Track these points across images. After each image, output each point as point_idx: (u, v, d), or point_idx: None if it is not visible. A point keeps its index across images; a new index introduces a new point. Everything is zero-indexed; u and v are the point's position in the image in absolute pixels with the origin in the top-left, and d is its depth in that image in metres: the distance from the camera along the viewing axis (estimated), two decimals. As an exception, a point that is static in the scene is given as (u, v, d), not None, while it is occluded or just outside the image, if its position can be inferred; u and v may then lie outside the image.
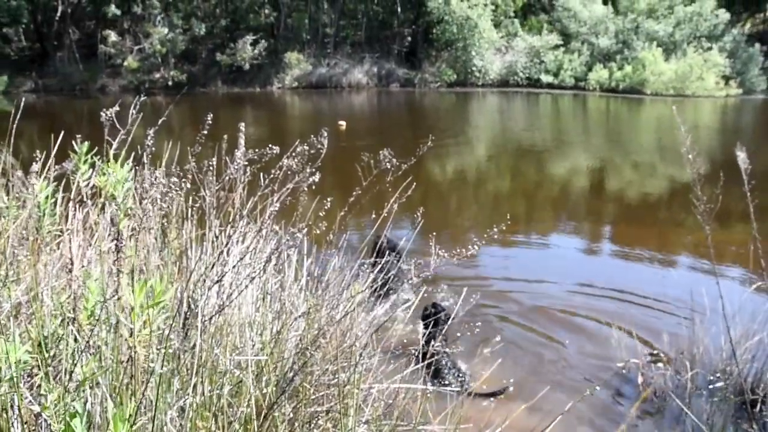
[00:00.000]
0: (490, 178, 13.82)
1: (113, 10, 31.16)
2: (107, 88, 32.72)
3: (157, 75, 32.39)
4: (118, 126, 2.90)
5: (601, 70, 32.33)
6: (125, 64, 31.58)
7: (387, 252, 5.31)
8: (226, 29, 35.47)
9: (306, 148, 2.83)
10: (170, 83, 31.95)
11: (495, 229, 2.67)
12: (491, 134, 20.51)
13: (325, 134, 2.82)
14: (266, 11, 34.76)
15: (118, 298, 2.13)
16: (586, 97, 30.74)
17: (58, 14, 33.62)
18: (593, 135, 20.61)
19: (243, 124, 3.43)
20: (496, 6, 34.93)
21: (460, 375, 4.79)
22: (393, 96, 31.93)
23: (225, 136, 3.54)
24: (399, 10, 36.66)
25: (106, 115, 2.79)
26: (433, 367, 4.60)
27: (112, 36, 31.44)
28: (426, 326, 5.06)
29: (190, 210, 3.31)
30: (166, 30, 31.86)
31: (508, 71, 34.36)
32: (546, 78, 33.51)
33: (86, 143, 2.82)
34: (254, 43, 32.29)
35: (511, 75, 34.24)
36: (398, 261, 5.54)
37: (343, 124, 18.83)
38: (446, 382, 4.64)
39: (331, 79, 34.23)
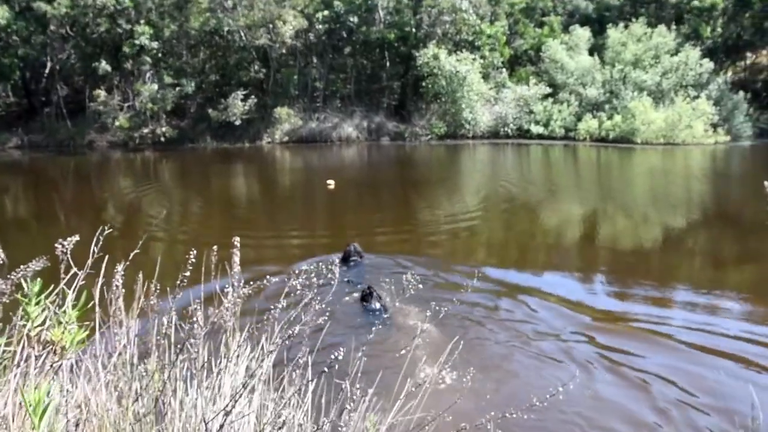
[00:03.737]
0: (481, 231, 14.34)
1: (104, 66, 32.06)
2: (95, 144, 33.46)
3: (146, 130, 33.13)
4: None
5: (590, 120, 33.54)
6: (117, 123, 32.36)
7: (353, 254, 9.59)
8: (215, 84, 36.50)
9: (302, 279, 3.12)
10: (162, 139, 32.68)
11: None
12: (483, 187, 21.20)
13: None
14: (255, 67, 35.84)
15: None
16: (577, 147, 31.75)
17: (47, 70, 34.55)
18: (591, 186, 21.32)
19: (237, 239, 3.34)
20: (483, 57, 36.27)
21: (381, 301, 7.48)
22: (383, 150, 32.78)
23: (215, 248, 3.49)
24: (388, 64, 37.95)
25: (63, 247, 2.56)
26: (361, 293, 7.66)
27: (102, 95, 32.26)
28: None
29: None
30: (155, 87, 32.77)
31: (498, 122, 35.45)
32: (536, 129, 34.61)
33: (38, 282, 2.53)
34: (244, 98, 33.21)
35: (501, 126, 35.32)
36: (361, 259, 9.65)
37: (331, 183, 19.18)
38: (371, 305, 7.41)
39: (321, 133, 35.17)
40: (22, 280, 2.38)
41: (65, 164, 28.55)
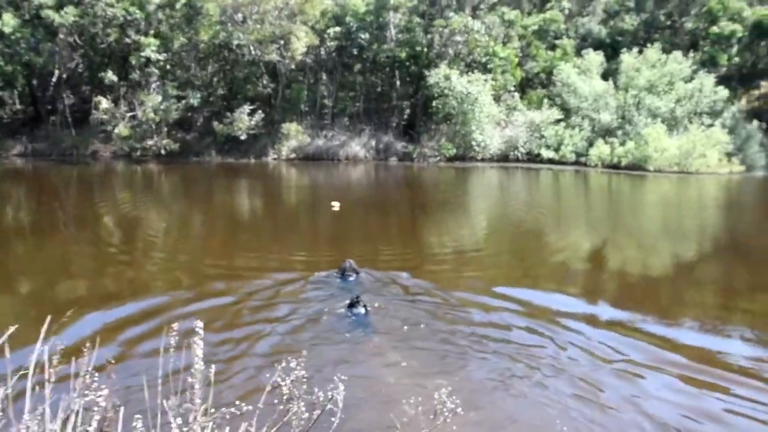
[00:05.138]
0: (485, 255, 14.19)
1: (110, 76, 32.24)
2: (98, 154, 33.54)
3: (150, 142, 33.19)
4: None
5: (602, 145, 33.48)
6: (116, 131, 32.39)
7: (348, 270, 10.52)
8: (223, 98, 36.67)
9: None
10: (162, 151, 32.73)
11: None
12: (492, 212, 21.09)
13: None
14: (264, 81, 36.00)
15: None
16: (588, 173, 31.65)
17: (54, 78, 34.79)
18: (601, 214, 21.10)
19: (200, 325, 3.21)
20: (495, 80, 36.33)
21: (366, 309, 8.63)
22: (391, 170, 32.74)
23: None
24: (398, 83, 38.09)
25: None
26: (349, 300, 8.80)
27: (104, 103, 32.36)
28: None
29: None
30: (159, 98, 32.89)
31: (508, 146, 35.43)
32: (547, 153, 34.58)
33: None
34: (251, 113, 33.27)
35: (512, 149, 35.29)
36: (357, 274, 10.55)
37: (336, 205, 18.87)
38: (355, 309, 8.59)
39: (329, 150, 35.19)
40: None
41: (67, 173, 28.61)
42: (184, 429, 3.02)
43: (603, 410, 6.15)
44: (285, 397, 3.18)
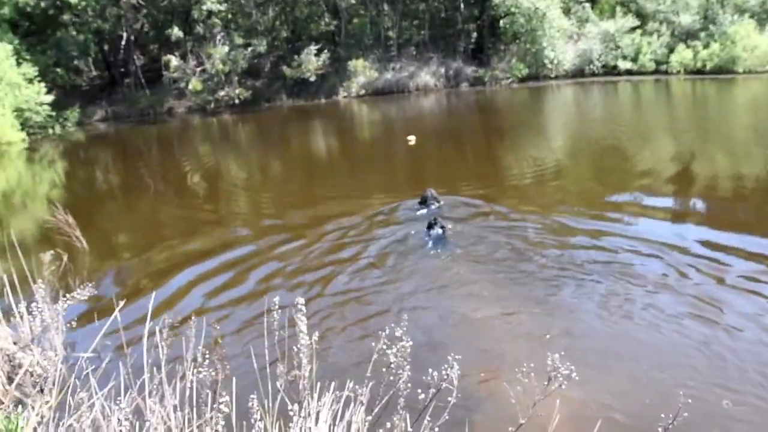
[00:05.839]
0: (566, 177, 13.97)
1: (176, 32, 32.87)
2: (174, 111, 34.50)
3: (222, 93, 33.84)
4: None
5: (684, 50, 31.74)
6: (190, 87, 33.19)
7: (430, 199, 10.88)
8: (287, 41, 36.77)
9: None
10: (237, 101, 33.38)
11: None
12: (570, 131, 20.59)
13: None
14: (326, 19, 35.78)
15: None
16: (670, 82, 30.28)
17: (123, 42, 35.71)
18: (686, 124, 20.05)
19: (302, 301, 3.44)
20: (563, -9, 34.83)
21: (444, 228, 9.30)
22: (463, 96, 32.29)
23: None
24: (462, 6, 37.03)
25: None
26: (427, 223, 9.49)
27: (174, 61, 33.09)
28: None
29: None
30: (226, 49, 33.32)
31: (583, 60, 34.15)
32: (624, 64, 33.16)
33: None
34: (317, 53, 33.29)
35: (586, 64, 34.01)
36: (438, 203, 10.91)
37: (412, 139, 18.92)
38: (433, 231, 9.25)
39: (398, 83, 34.88)
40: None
41: (147, 133, 29.63)
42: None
43: (727, 331, 6.07)
44: (392, 366, 3.31)
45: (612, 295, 6.98)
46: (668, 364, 5.60)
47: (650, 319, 6.40)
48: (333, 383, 3.46)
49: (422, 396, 2.91)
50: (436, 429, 3.07)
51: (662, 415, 3.40)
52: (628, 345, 6.01)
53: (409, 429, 3.16)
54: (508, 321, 6.66)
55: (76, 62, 36.81)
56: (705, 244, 8.45)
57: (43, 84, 29.02)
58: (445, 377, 2.89)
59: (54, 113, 29.77)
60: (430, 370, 3.05)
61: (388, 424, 3.15)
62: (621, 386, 5.31)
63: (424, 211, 10.71)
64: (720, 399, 5.01)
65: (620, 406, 5.02)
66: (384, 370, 3.45)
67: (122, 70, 37.10)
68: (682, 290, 6.98)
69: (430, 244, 9.11)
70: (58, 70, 33.25)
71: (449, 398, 2.90)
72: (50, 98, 29.14)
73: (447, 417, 3.09)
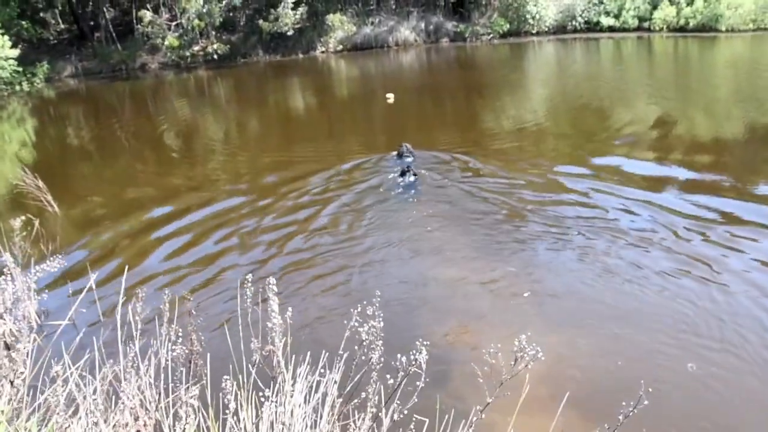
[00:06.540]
0: (544, 133, 13.94)
1: (148, -16, 31.99)
2: (147, 66, 33.65)
3: (197, 48, 33.10)
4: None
5: (667, 7, 31.48)
6: (166, 42, 32.36)
7: (405, 152, 11.51)
8: (263, -7, 35.91)
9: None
10: (215, 56, 32.69)
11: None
12: (551, 87, 20.50)
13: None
14: (304, -29, 34.96)
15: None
16: (653, 39, 30.12)
17: (92, -7, 34.65)
18: (667, 82, 20.08)
19: (273, 282, 3.30)
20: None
21: (416, 175, 10.11)
22: (443, 52, 31.93)
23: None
24: (444, -43, 36.34)
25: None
26: (400, 170, 10.28)
27: (147, 16, 32.16)
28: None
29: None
30: (201, 2, 32.44)
31: (565, 16, 33.79)
32: (606, 21, 32.87)
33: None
34: (294, 6, 32.57)
35: (569, 20, 33.67)
36: (413, 156, 11.46)
37: (390, 97, 18.87)
38: (406, 177, 10.06)
39: (377, 38, 34.33)
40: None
41: (120, 89, 28.92)
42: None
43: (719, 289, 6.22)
44: (365, 344, 3.22)
45: (590, 251, 7.16)
46: (648, 322, 5.73)
47: (630, 276, 6.56)
48: (308, 353, 3.43)
49: (396, 363, 2.86)
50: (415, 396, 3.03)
51: (638, 376, 3.39)
52: (611, 303, 6.15)
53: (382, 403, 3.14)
54: (480, 277, 6.76)
55: (42, 14, 35.65)
56: (687, 202, 8.65)
57: (7, 37, 27.95)
58: (416, 354, 2.83)
59: (21, 69, 28.88)
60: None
61: (363, 394, 3.13)
62: (597, 345, 5.41)
63: (400, 162, 11.34)
64: (692, 359, 5.09)
65: (595, 366, 5.10)
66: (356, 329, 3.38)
67: (92, 23, 36.02)
68: (664, 247, 7.17)
69: (402, 189, 9.90)
70: (23, 22, 32.09)
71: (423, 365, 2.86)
72: (15, 52, 28.04)
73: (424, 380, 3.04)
